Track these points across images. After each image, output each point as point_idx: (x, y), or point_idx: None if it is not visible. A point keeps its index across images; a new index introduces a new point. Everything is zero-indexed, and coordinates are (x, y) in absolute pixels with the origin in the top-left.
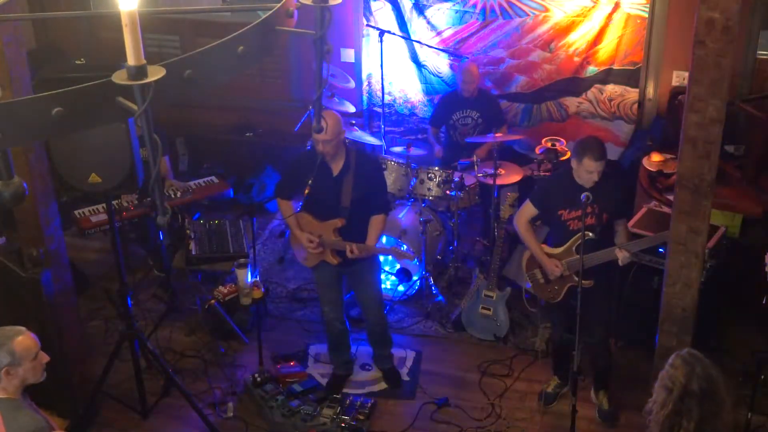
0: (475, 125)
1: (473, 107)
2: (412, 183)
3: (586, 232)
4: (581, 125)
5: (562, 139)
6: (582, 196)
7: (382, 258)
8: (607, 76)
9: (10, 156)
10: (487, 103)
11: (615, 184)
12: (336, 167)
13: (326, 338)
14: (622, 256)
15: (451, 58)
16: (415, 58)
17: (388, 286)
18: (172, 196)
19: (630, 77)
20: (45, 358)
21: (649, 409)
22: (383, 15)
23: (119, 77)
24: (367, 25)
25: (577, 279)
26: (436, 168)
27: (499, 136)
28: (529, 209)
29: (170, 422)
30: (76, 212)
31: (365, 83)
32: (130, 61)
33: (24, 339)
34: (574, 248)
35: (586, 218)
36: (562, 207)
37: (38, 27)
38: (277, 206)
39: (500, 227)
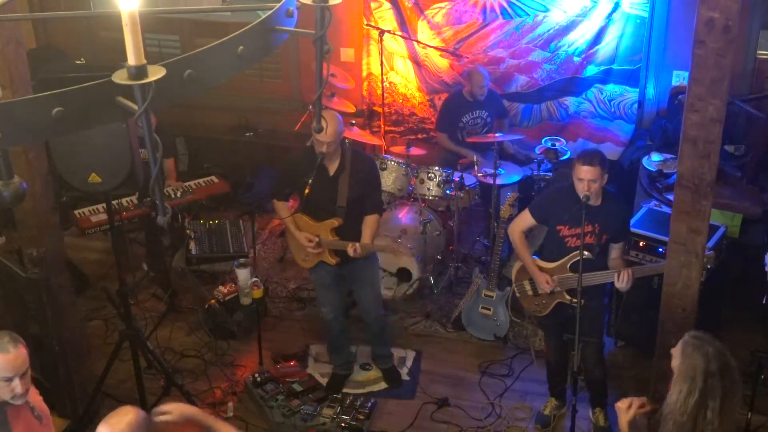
0: (484, 124)
1: (482, 107)
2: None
3: (584, 252)
4: (581, 125)
5: (562, 139)
6: (582, 196)
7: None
8: (607, 76)
9: (9, 156)
10: (493, 100)
11: (620, 207)
12: (332, 167)
13: (326, 338)
14: (625, 278)
15: (452, 58)
16: (415, 58)
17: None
18: (172, 195)
19: (630, 77)
20: (23, 386)
21: (669, 402)
22: (383, 15)
23: (119, 77)
24: (367, 25)
25: (567, 296)
26: (436, 168)
27: (498, 136)
28: (526, 219)
29: None
30: (76, 212)
31: (365, 83)
32: (131, 61)
33: (18, 354)
34: (569, 265)
35: (586, 237)
36: (562, 222)
37: (38, 27)
38: (274, 208)
39: (500, 227)
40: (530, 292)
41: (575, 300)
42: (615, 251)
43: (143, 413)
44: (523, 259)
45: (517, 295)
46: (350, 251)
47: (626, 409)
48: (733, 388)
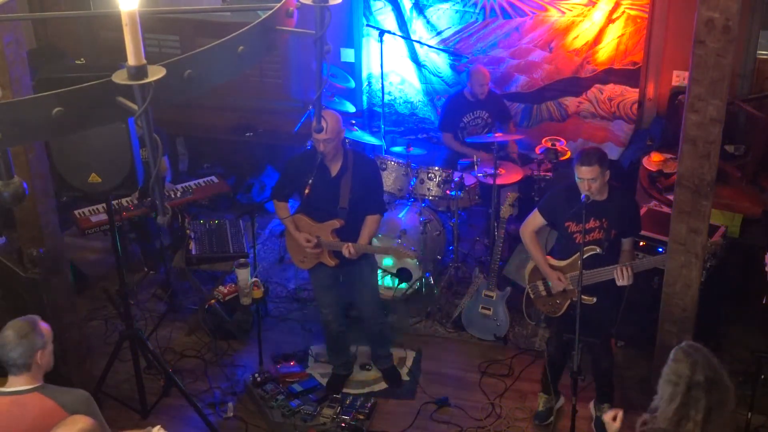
0: (485, 125)
1: (483, 107)
2: (412, 183)
3: (594, 247)
4: (581, 125)
5: (562, 139)
6: (582, 196)
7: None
8: (607, 76)
9: (10, 156)
10: (495, 101)
11: (627, 202)
12: (334, 168)
13: (325, 339)
14: (625, 275)
15: (452, 58)
16: (415, 58)
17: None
18: (172, 195)
19: (630, 77)
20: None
21: (655, 406)
22: (383, 15)
23: (119, 77)
24: (367, 25)
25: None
26: (436, 168)
27: (499, 135)
28: (536, 219)
29: (170, 422)
30: (76, 212)
31: (365, 83)
32: (130, 61)
33: (43, 323)
34: (579, 262)
35: (594, 233)
36: (570, 219)
37: (38, 27)
38: (274, 208)
39: (500, 227)
40: (544, 293)
41: (587, 298)
42: (625, 246)
43: (94, 422)
44: (536, 258)
45: (531, 296)
46: (344, 252)
47: (611, 420)
48: (722, 407)
